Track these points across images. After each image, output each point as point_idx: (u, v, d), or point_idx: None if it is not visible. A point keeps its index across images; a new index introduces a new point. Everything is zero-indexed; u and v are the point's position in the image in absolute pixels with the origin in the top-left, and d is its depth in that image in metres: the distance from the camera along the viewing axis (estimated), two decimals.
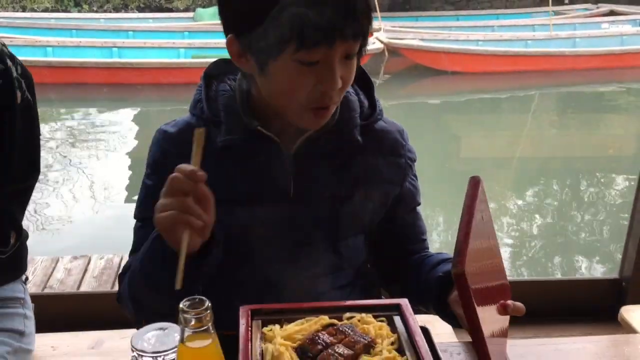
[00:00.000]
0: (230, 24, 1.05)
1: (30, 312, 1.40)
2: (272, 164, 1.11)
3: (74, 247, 4.00)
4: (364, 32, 1.01)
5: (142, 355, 0.77)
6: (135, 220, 1.18)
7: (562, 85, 9.60)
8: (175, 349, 0.78)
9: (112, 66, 8.75)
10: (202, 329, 0.70)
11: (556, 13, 13.16)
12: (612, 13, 13.68)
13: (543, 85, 9.54)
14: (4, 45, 1.21)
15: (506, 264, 4.09)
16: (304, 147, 1.11)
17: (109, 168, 6.15)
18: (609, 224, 4.93)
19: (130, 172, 5.99)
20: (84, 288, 2.83)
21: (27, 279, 1.43)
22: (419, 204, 1.27)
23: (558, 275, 3.98)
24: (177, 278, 0.85)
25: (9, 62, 1.19)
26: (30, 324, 1.39)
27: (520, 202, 5.39)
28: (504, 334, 1.03)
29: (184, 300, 0.70)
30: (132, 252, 1.16)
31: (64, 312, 2.16)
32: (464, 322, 0.98)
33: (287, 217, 1.11)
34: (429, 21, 13.08)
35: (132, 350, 0.78)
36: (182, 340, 0.70)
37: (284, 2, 0.95)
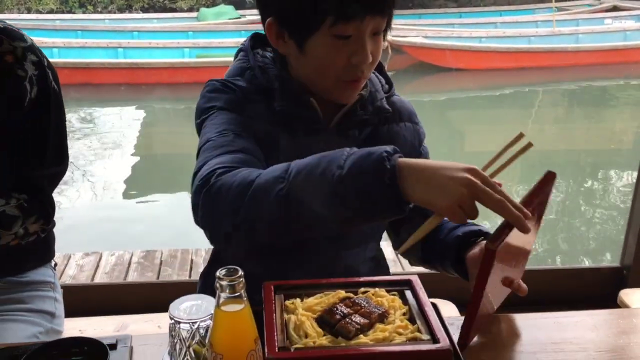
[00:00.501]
0: (270, 7, 1.14)
1: (59, 296, 1.48)
2: (316, 137, 1.18)
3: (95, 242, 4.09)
4: (390, 10, 1.11)
5: (179, 322, 0.85)
6: (207, 142, 1.09)
7: (565, 81, 9.64)
8: (209, 316, 0.86)
9: (118, 66, 8.86)
10: (236, 294, 0.78)
11: (559, 9, 13.20)
12: (615, 9, 13.70)
13: (546, 81, 9.59)
14: (32, 40, 1.30)
15: None
16: (343, 120, 1.21)
17: (115, 165, 6.22)
18: (611, 215, 5.01)
19: (136, 169, 6.08)
20: None
21: (56, 264, 1.51)
22: None
23: (562, 264, 4.05)
24: (408, 243, 0.98)
25: (40, 55, 1.28)
26: (60, 307, 1.47)
27: (525, 192, 5.47)
28: (498, 302, 1.13)
29: (220, 269, 0.78)
30: (219, 155, 1.04)
31: (84, 302, 2.25)
32: (472, 281, 1.07)
33: None
34: (432, 19, 13.15)
35: (170, 318, 0.86)
36: (217, 305, 0.78)
37: None
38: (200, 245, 3.27)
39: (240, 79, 1.20)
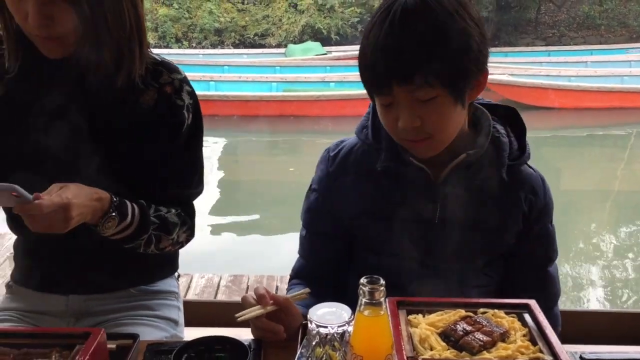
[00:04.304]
0: None
1: (181, 306, 1.60)
2: (421, 190, 1.24)
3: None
4: (423, 75, 1.07)
5: (318, 326, 0.93)
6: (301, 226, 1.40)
7: None
8: (344, 323, 0.93)
9: (210, 99, 9.27)
10: (375, 301, 0.85)
11: None
12: None
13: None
14: (184, 72, 1.44)
15: (602, 292, 4.06)
16: (454, 177, 1.22)
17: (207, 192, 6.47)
18: None
19: (220, 196, 6.31)
20: None
21: (179, 276, 1.63)
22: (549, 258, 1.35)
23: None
24: None
25: (191, 86, 1.42)
26: (182, 316, 1.59)
27: (620, 231, 5.36)
28: None
29: (363, 277, 0.85)
30: (299, 254, 1.44)
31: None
32: None
33: (433, 239, 1.25)
34: (519, 57, 12.98)
35: (309, 322, 0.94)
36: (360, 310, 0.86)
37: (363, 57, 1.13)
38: (285, 272, 3.39)
39: (355, 139, 1.32)
